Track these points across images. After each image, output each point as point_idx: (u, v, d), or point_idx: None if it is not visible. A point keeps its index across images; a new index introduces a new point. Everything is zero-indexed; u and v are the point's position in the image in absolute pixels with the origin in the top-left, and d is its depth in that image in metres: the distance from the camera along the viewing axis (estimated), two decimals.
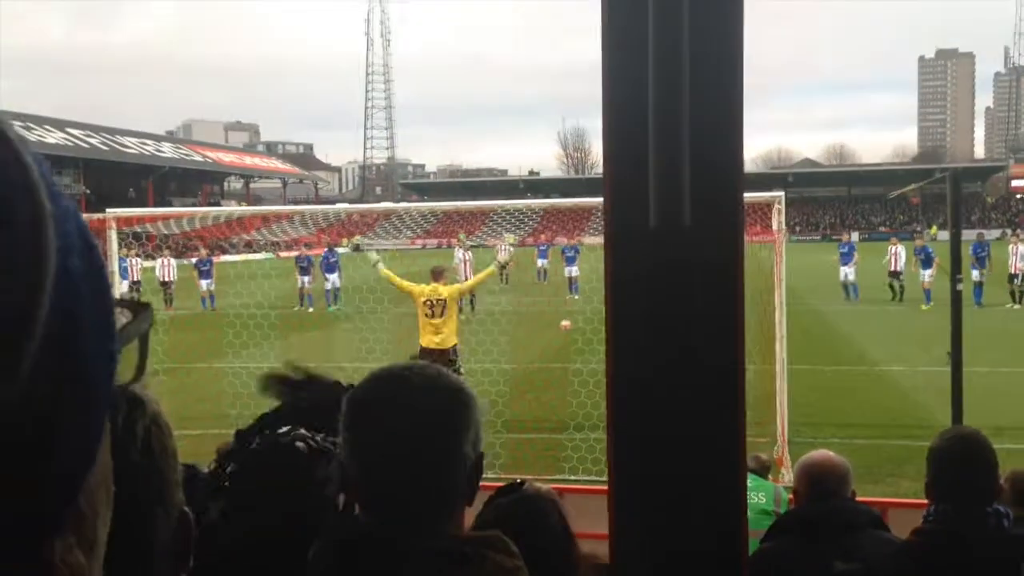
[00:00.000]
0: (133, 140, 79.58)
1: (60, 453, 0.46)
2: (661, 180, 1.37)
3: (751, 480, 5.13)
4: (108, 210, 10.79)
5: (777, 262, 9.97)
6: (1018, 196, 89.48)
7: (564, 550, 2.39)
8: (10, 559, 0.45)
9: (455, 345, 12.12)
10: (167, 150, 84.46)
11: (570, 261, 29.59)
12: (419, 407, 1.44)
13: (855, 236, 38.23)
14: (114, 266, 11.10)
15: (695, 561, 1.45)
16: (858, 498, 3.36)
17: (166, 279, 28.72)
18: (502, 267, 17.74)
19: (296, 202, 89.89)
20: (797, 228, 77.07)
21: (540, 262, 34.51)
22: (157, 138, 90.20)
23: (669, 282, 1.42)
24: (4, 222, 0.40)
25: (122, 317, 0.55)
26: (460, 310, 13.35)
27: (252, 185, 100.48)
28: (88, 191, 63.67)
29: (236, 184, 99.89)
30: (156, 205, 60.91)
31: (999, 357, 15.59)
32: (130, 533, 0.57)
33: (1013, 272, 25.58)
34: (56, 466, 0.46)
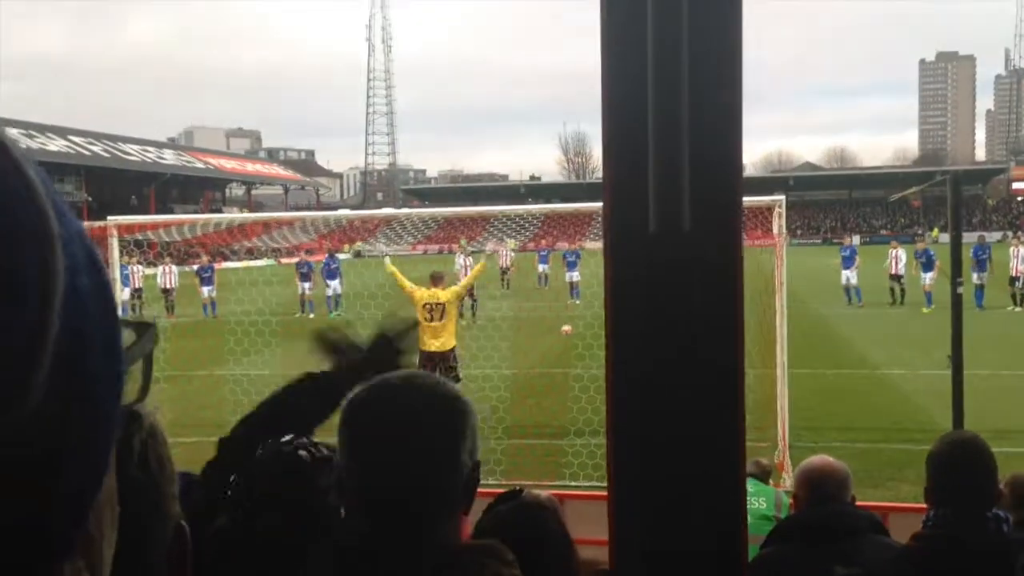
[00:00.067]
0: (135, 147, 79.69)
1: (68, 474, 0.45)
2: (660, 185, 1.37)
3: (752, 485, 5.12)
4: (109, 218, 10.81)
5: (778, 266, 9.97)
6: (1019, 198, 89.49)
7: (564, 557, 2.39)
8: None
9: (454, 348, 12.31)
10: (169, 157, 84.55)
11: (571, 266, 29.59)
12: (417, 415, 1.44)
13: (856, 239, 38.19)
14: (116, 274, 11.12)
15: (695, 566, 1.45)
16: (859, 503, 3.36)
17: (167, 286, 28.74)
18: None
19: (298, 208, 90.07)
20: (798, 232, 77.07)
21: (541, 267, 34.51)
22: (159, 145, 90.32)
23: (669, 286, 1.42)
24: (14, 244, 0.40)
25: (127, 337, 0.55)
26: (461, 315, 13.47)
27: (254, 192, 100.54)
28: (90, 198, 63.76)
29: (238, 191, 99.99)
30: (158, 212, 60.93)
31: (1000, 360, 15.57)
32: (127, 549, 0.57)
33: (1014, 275, 25.56)
34: (65, 487, 0.45)
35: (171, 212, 63.26)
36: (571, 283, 29.21)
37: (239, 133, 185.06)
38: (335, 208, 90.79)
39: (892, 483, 9.15)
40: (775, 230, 10.07)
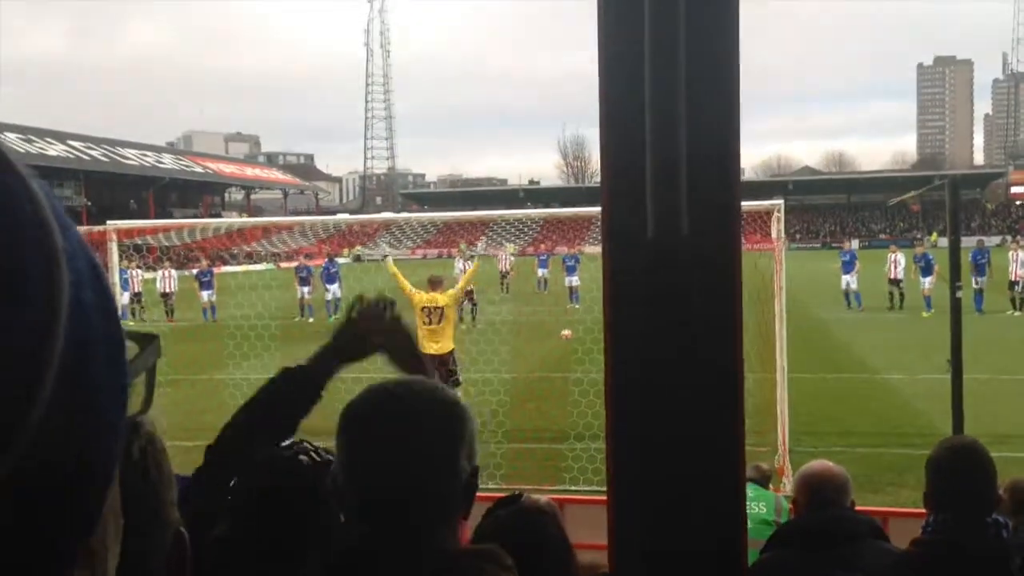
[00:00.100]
0: (134, 152, 79.65)
1: (73, 486, 0.46)
2: (658, 190, 1.38)
3: (751, 490, 5.12)
4: (109, 222, 10.82)
5: (777, 270, 9.97)
6: (1017, 203, 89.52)
7: (563, 562, 2.39)
8: None
9: (453, 351, 12.44)
10: (168, 161, 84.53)
11: (571, 271, 29.58)
12: (414, 420, 1.44)
13: (855, 243, 38.20)
14: (115, 278, 11.12)
15: (695, 571, 1.45)
16: (859, 507, 3.36)
17: (167, 291, 28.75)
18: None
19: (297, 213, 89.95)
20: (797, 236, 77.06)
21: (540, 271, 34.51)
22: (158, 149, 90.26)
23: (667, 291, 1.42)
24: (20, 258, 0.41)
25: (130, 349, 0.56)
26: (460, 319, 13.55)
27: (253, 196, 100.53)
28: (89, 203, 63.73)
29: (237, 195, 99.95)
30: (157, 216, 60.95)
31: (1000, 364, 15.56)
32: (127, 556, 0.58)
33: (1013, 279, 25.55)
34: (69, 499, 0.46)
35: (170, 216, 63.27)
36: (570, 287, 29.21)
37: (238, 137, 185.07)
38: (334, 212, 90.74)
39: (892, 488, 9.15)
40: (774, 234, 10.08)
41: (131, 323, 25.49)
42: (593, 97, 1.41)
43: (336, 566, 1.46)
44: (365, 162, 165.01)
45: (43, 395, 0.41)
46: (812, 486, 3.17)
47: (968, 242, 22.48)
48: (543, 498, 2.94)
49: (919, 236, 60.25)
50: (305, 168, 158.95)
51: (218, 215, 78.26)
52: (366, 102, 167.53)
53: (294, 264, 29.40)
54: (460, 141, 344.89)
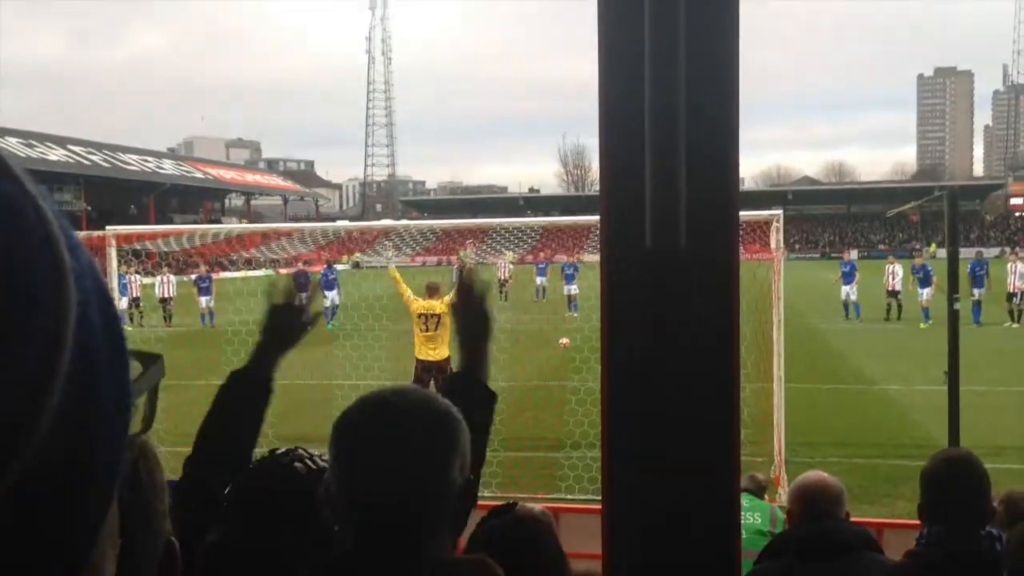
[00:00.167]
0: (134, 157, 79.69)
1: (74, 505, 0.46)
2: (657, 200, 1.38)
3: (747, 500, 5.12)
4: (108, 227, 10.85)
5: (775, 280, 9.98)
6: (1017, 214, 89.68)
7: (557, 571, 2.38)
8: None
9: (450, 358, 12.53)
10: (168, 167, 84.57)
11: (569, 279, 29.60)
12: (406, 431, 1.44)
13: (854, 254, 38.21)
14: (114, 283, 11.12)
15: None
16: (854, 518, 3.36)
17: (165, 296, 28.74)
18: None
19: (297, 219, 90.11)
20: (796, 246, 77.15)
21: (539, 280, 34.53)
22: (158, 155, 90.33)
23: (665, 301, 1.42)
24: (27, 277, 0.41)
25: (134, 368, 0.56)
26: None
27: (253, 202, 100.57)
28: (89, 208, 63.75)
29: (237, 201, 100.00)
30: (157, 222, 60.91)
31: (997, 376, 15.58)
32: (119, 570, 0.58)
33: (1012, 291, 25.57)
34: (70, 518, 0.46)
35: (170, 222, 63.25)
36: (569, 296, 29.22)
37: (239, 143, 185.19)
38: (334, 219, 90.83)
39: (888, 499, 9.14)
40: (773, 244, 10.09)
41: (129, 328, 25.49)
42: (593, 106, 1.41)
43: (329, 574, 1.46)
44: (365, 169, 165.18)
45: (47, 413, 0.41)
46: (807, 497, 3.18)
47: (967, 253, 22.53)
48: (537, 507, 2.94)
49: (918, 247, 60.28)
50: (305, 174, 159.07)
51: (218, 221, 78.26)
52: (367, 109, 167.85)
53: (293, 270, 29.42)
54: (461, 149, 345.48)
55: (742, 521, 2.49)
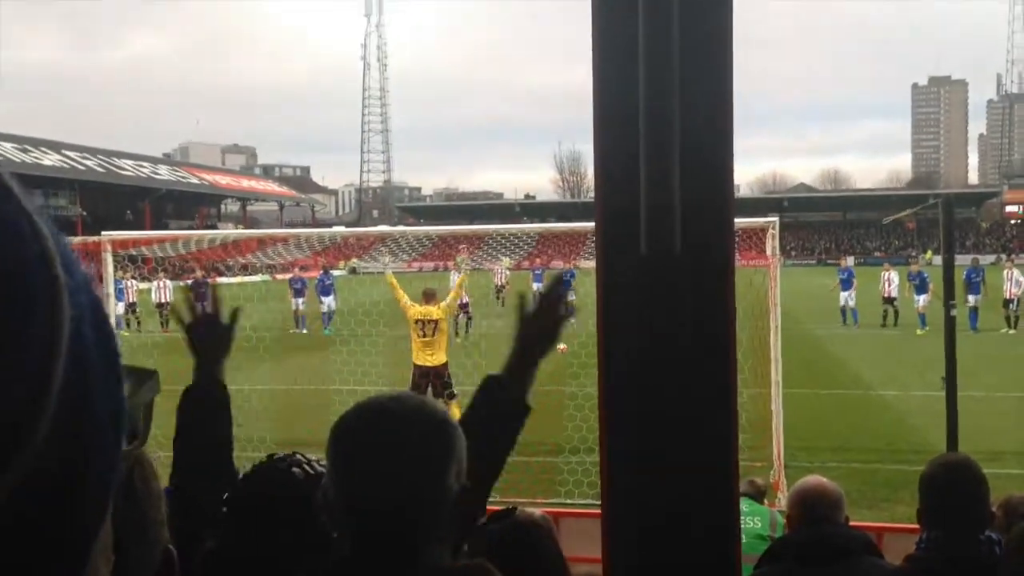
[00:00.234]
0: (130, 162, 79.61)
1: (67, 521, 0.46)
2: (652, 207, 1.38)
3: (746, 505, 5.11)
4: (104, 233, 10.79)
5: (771, 287, 9.99)
6: (1012, 222, 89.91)
7: (557, 575, 2.38)
8: None
9: (447, 363, 12.62)
10: (164, 172, 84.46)
11: (566, 285, 29.56)
12: (403, 437, 1.44)
13: (851, 261, 38.27)
14: (110, 288, 11.08)
15: None
16: (853, 523, 3.36)
17: (162, 301, 28.70)
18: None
19: (293, 225, 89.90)
20: (792, 253, 77.27)
21: (535, 286, 34.50)
22: (154, 160, 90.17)
23: (660, 307, 1.43)
24: (21, 292, 0.41)
25: (129, 386, 0.56)
26: (456, 333, 13.66)
27: (249, 208, 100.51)
28: (85, 213, 63.62)
29: (233, 207, 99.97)
30: (153, 227, 60.87)
31: (994, 382, 15.60)
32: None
33: (1008, 297, 25.62)
34: (63, 534, 0.46)
35: (166, 227, 63.20)
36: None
37: (234, 149, 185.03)
38: (330, 225, 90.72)
39: (887, 504, 9.15)
40: (769, 251, 10.10)
41: (126, 333, 25.45)
42: (589, 113, 1.42)
43: None
44: (361, 175, 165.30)
45: (47, 413, 0.41)
46: (806, 501, 3.17)
47: (963, 260, 22.53)
48: (537, 511, 2.94)
49: (914, 254, 60.33)
50: (301, 180, 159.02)
51: (214, 226, 78.14)
52: (363, 115, 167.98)
53: (289, 276, 29.40)
54: (456, 155, 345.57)
55: (742, 525, 2.49)
